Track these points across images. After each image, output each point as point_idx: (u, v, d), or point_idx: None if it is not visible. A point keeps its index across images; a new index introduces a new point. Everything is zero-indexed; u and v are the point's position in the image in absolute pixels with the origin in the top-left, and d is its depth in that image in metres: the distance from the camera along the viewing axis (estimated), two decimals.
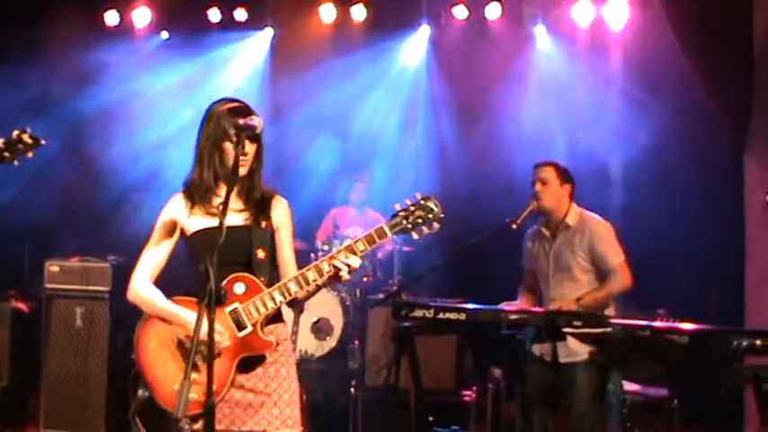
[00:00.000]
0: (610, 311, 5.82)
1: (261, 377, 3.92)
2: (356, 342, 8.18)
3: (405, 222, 3.92)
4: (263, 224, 3.99)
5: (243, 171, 3.94)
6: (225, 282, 3.84)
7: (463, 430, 6.88)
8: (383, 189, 9.41)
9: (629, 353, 5.23)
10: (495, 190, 8.63)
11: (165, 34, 10.58)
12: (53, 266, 7.87)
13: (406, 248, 8.82)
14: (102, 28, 10.30)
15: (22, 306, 8.08)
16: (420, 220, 3.93)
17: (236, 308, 3.85)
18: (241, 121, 3.76)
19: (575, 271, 5.87)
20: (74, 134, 9.64)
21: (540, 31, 9.74)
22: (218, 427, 3.72)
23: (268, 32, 10.57)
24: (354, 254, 3.85)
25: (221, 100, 4.05)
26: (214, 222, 3.89)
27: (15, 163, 4.06)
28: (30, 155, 4.07)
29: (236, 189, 3.91)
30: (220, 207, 3.62)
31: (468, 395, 7.48)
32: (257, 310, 3.84)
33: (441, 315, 5.46)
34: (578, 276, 5.87)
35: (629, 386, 6.08)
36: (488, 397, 7.06)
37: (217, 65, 10.45)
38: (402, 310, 5.61)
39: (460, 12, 9.62)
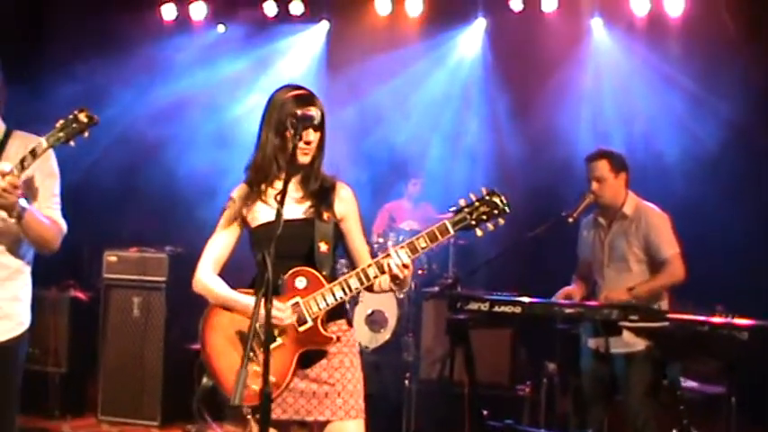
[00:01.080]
0: (663, 304, 5.76)
1: (325, 368, 3.90)
2: (410, 335, 8.18)
3: (468, 218, 3.80)
4: (326, 215, 3.93)
5: (305, 160, 3.91)
6: (287, 275, 3.84)
7: (517, 424, 6.85)
8: (439, 181, 9.40)
9: (686, 348, 5.18)
10: (552, 182, 8.58)
11: (221, 28, 10.65)
12: (111, 256, 8.00)
13: (461, 241, 8.80)
14: (160, 22, 10.42)
15: (80, 295, 8.20)
16: (484, 216, 3.80)
17: (297, 302, 3.81)
18: (299, 112, 3.72)
19: (629, 261, 5.83)
20: (131, 127, 9.73)
21: (596, 24, 9.65)
22: (282, 416, 3.81)
23: (324, 25, 10.60)
24: (415, 251, 3.77)
25: (284, 87, 4.00)
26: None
27: (71, 143, 4.00)
28: (85, 135, 4.01)
29: (296, 178, 3.95)
30: (278, 198, 3.58)
31: (522, 389, 7.46)
32: (318, 304, 3.80)
33: (496, 308, 5.46)
34: (633, 266, 5.82)
35: (685, 383, 6.02)
36: (542, 391, 7.03)
37: (273, 58, 10.50)
38: (457, 302, 5.61)
39: (516, 4, 9.57)
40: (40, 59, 9.72)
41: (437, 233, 3.80)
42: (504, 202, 3.83)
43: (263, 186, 3.98)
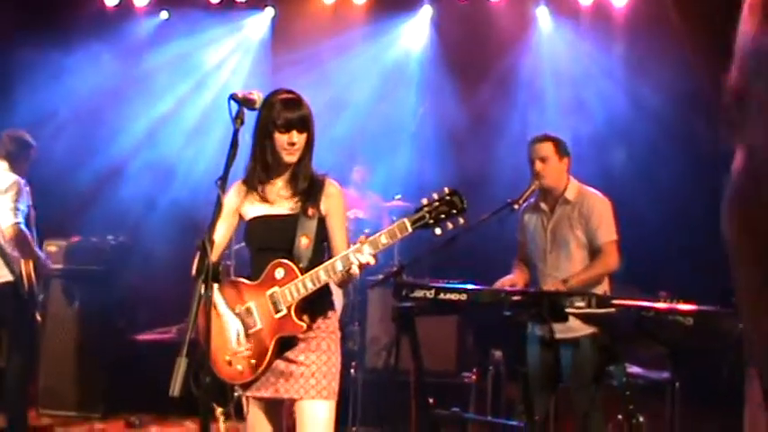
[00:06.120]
0: (601, 287, 5.74)
1: (303, 350, 4.14)
2: (356, 323, 8.13)
3: (427, 217, 3.94)
4: (310, 212, 4.16)
5: (291, 159, 4.17)
6: (268, 267, 4.11)
7: (463, 412, 6.84)
8: (383, 171, 9.36)
9: (632, 334, 5.19)
10: (496, 170, 8.59)
11: (164, 14, 10.51)
12: (51, 246, 7.85)
13: None
14: (102, 8, 10.25)
15: None
16: (443, 215, 3.95)
17: (274, 291, 4.09)
18: (240, 94, 3.82)
19: (571, 246, 5.82)
20: (71, 115, 9.58)
21: (542, 12, 9.67)
22: (264, 394, 4.15)
23: (268, 12, 10.51)
24: (377, 247, 3.95)
25: (276, 90, 4.22)
26: (269, 209, 4.22)
27: None
28: None
29: (285, 176, 4.22)
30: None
31: (469, 377, 7.45)
32: (291, 294, 4.05)
33: (441, 295, 5.41)
34: (575, 252, 5.81)
35: (630, 368, 6.04)
36: (489, 379, 7.03)
37: (217, 44, 10.40)
38: (402, 290, 5.57)
39: None
40: None
41: (397, 231, 3.96)
42: (463, 201, 3.97)
43: (256, 184, 4.23)
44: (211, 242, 3.51)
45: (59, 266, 7.81)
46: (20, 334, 6.74)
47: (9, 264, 6.60)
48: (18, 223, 6.56)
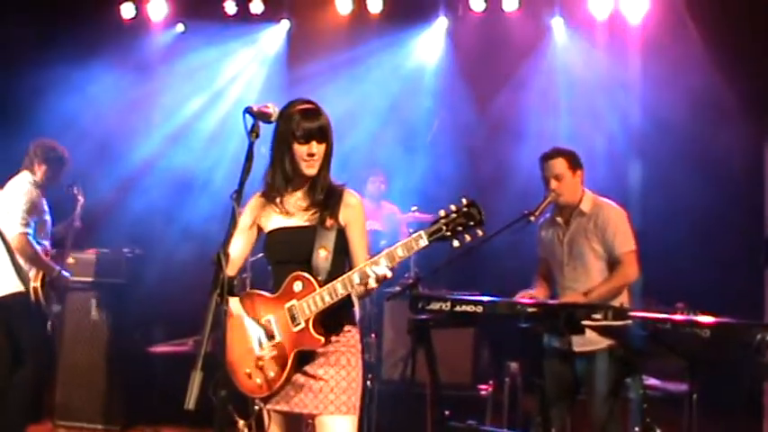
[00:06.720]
0: (620, 299, 5.72)
1: (322, 364, 4.11)
2: (372, 335, 8.12)
3: (444, 229, 3.89)
4: (329, 223, 4.12)
5: (311, 171, 4.14)
6: (287, 279, 4.06)
7: (479, 425, 6.82)
8: (400, 182, 9.35)
9: (649, 346, 5.17)
10: (512, 182, 8.57)
11: (180, 27, 10.56)
12: (68, 258, 7.86)
13: None
14: (119, 21, 10.30)
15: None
16: (460, 228, 3.89)
17: (292, 305, 4.04)
18: (255, 108, 3.79)
19: (588, 258, 5.79)
20: (90, 127, 9.60)
21: (557, 24, 9.66)
22: (284, 407, 4.12)
23: (284, 25, 10.54)
24: (393, 260, 3.92)
25: (294, 101, 4.18)
26: (288, 221, 4.18)
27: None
28: None
29: (304, 188, 4.19)
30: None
31: (485, 389, 7.43)
32: (309, 307, 4.01)
33: (457, 308, 5.41)
34: (592, 263, 5.79)
35: (647, 381, 6.01)
36: (505, 391, 7.01)
37: (233, 57, 10.43)
38: (419, 302, 5.56)
39: (478, 4, 9.57)
40: None
41: (413, 243, 3.92)
42: (481, 213, 3.91)
43: (275, 195, 4.20)
44: (226, 256, 3.45)
45: (76, 278, 7.82)
46: (29, 345, 6.73)
47: (20, 274, 6.62)
48: (25, 233, 6.59)
